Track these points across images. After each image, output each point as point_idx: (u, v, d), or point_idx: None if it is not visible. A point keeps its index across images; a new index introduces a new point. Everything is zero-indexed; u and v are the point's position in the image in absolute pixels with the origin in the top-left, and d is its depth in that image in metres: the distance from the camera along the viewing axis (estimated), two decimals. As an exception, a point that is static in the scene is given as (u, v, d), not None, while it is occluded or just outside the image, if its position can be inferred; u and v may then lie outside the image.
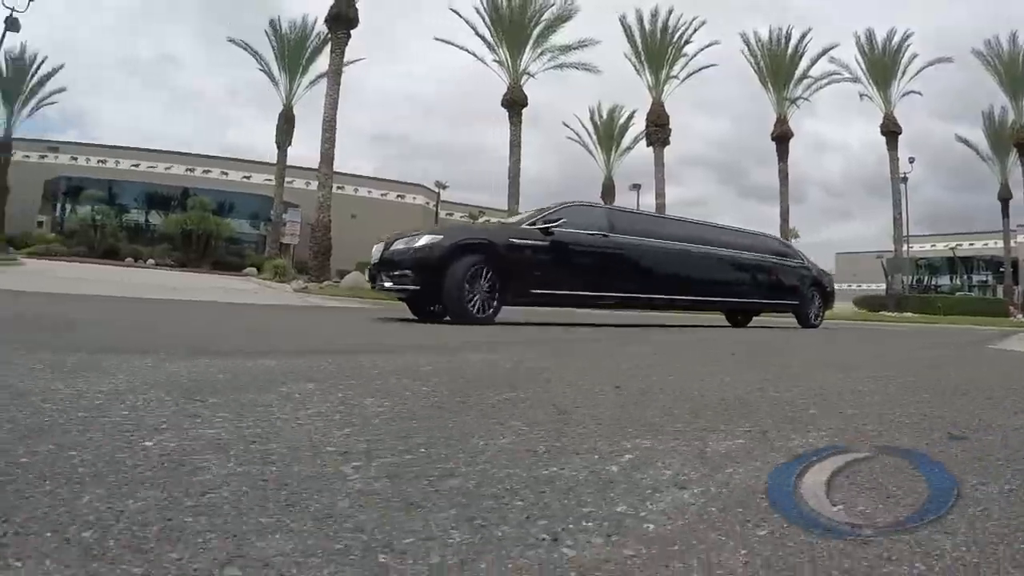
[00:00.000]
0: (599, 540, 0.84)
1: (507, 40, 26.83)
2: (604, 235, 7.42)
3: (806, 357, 4.21)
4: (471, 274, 6.29)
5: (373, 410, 1.61)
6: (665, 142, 29.59)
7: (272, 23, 31.69)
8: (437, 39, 27.12)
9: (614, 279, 7.56)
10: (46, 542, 0.75)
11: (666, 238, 8.25)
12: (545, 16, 27.10)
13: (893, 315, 24.28)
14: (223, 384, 1.86)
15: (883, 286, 36.96)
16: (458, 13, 26.71)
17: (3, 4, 22.21)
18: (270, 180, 33.48)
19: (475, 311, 6.30)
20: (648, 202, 33.03)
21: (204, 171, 41.99)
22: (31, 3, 23.32)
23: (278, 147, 31.79)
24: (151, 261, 29.89)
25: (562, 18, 27.32)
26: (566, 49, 27.93)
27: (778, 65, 31.05)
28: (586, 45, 28.22)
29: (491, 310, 6.45)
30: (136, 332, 3.80)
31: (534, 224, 7.04)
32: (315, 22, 30.54)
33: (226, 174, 41.85)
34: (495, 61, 27.17)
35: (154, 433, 1.27)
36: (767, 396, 2.08)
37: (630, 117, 35.74)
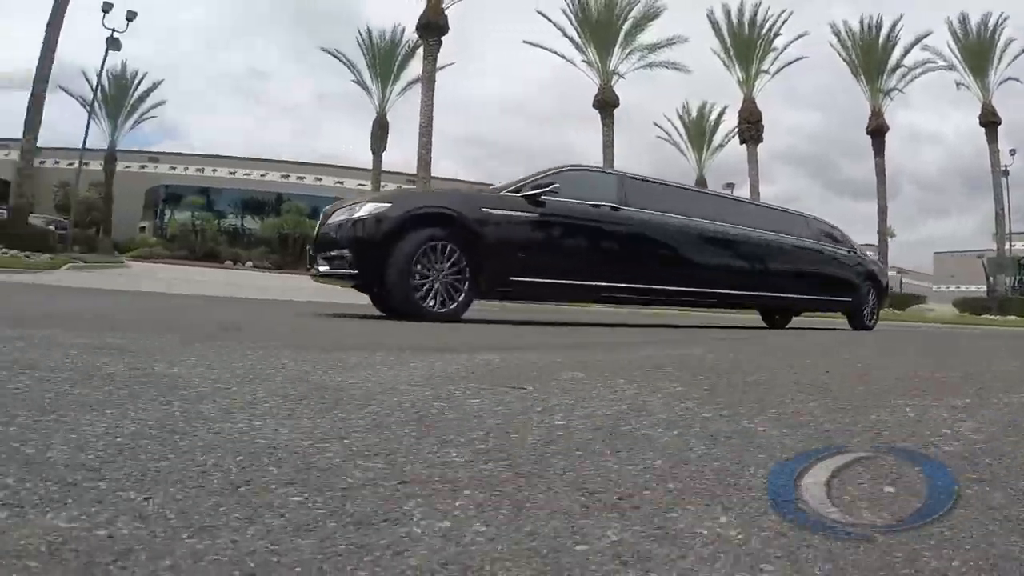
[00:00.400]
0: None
1: (595, 40, 26.78)
2: (613, 208, 5.80)
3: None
4: (423, 253, 4.83)
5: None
6: (758, 139, 28.78)
7: (362, 33, 32.73)
8: (526, 42, 27.34)
9: (626, 266, 5.95)
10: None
11: (693, 215, 6.60)
12: (632, 14, 26.84)
13: (996, 318, 22.64)
14: (527, 371, 1.84)
15: (983, 287, 34.59)
16: (545, 15, 26.81)
17: (104, 25, 23.56)
18: (363, 184, 34.41)
19: (431, 304, 4.86)
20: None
21: (298, 177, 43.36)
22: (130, 24, 24.55)
23: (373, 153, 32.70)
24: (249, 263, 31.15)
25: (648, 16, 27.09)
26: (654, 48, 27.56)
27: (870, 55, 29.73)
28: (674, 43, 27.85)
29: (455, 303, 4.97)
30: (326, 331, 3.84)
31: (519, 192, 5.43)
32: (403, 31, 31.38)
33: (320, 180, 43.08)
34: (584, 62, 27.14)
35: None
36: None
37: (720, 114, 35.05)
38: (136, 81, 37.71)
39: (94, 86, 29.55)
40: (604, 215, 5.78)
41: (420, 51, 24.46)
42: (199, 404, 1.32)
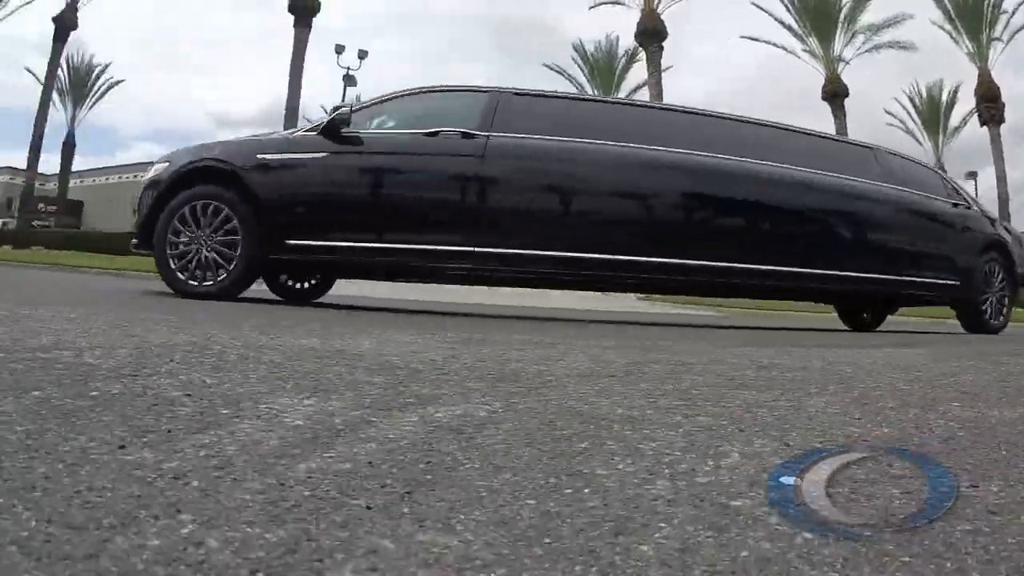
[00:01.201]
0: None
1: (814, 26, 25.59)
2: (466, 135, 4.06)
3: None
4: (186, 217, 4.01)
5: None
6: (999, 119, 26.16)
7: (576, 47, 32.44)
8: (743, 37, 26.79)
9: (478, 221, 4.12)
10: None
11: (637, 141, 4.34)
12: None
13: None
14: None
15: None
16: (759, 6, 26.05)
17: (339, 64, 25.57)
18: None
19: (189, 277, 4.01)
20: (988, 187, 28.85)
21: None
22: (363, 61, 26.80)
23: None
24: None
25: (866, -6, 25.39)
26: (877, 28, 25.90)
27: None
28: (899, 21, 25.91)
29: (221, 279, 3.99)
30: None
31: (316, 129, 4.19)
32: (617, 40, 31.26)
33: None
34: (805, 51, 26.11)
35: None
36: None
37: (954, 92, 31.88)
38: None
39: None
40: (442, 146, 4.08)
41: (635, 59, 24.75)
42: None
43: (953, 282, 5.21)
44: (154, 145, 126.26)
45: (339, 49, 25.75)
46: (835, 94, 24.84)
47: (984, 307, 5.41)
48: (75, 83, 34.79)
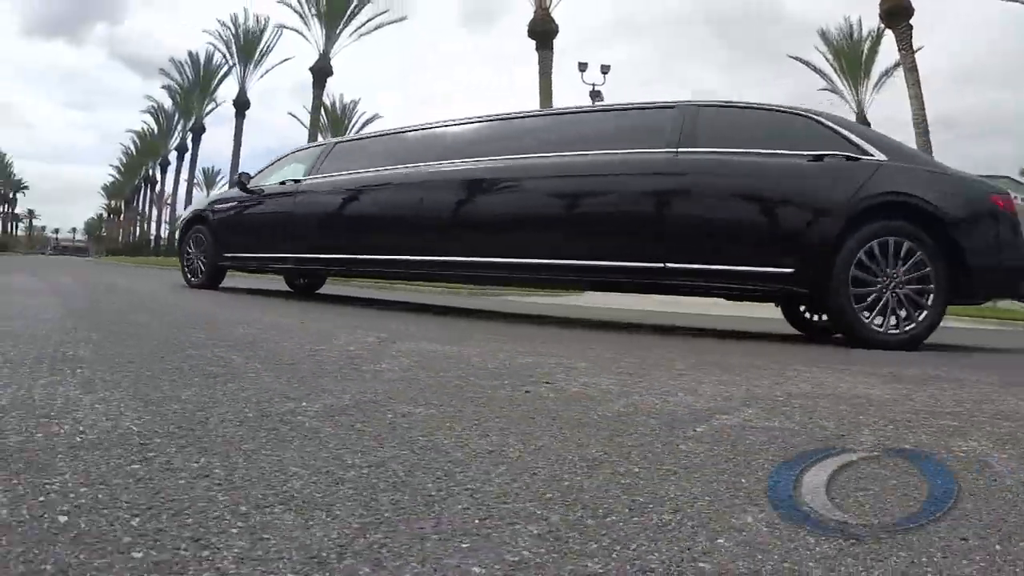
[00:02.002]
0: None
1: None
2: (296, 181, 5.77)
3: None
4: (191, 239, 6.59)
5: None
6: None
7: (821, 33, 30.22)
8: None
9: (301, 236, 5.56)
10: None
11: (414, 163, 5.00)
12: None
13: None
14: None
15: None
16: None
17: (583, 81, 25.56)
18: None
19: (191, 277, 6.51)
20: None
21: None
22: (606, 75, 28.05)
23: None
24: None
25: None
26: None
27: None
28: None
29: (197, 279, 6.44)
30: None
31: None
32: (859, 21, 29.33)
33: None
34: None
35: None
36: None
37: None
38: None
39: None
40: (282, 190, 5.80)
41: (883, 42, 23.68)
42: None
43: (784, 270, 3.64)
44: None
45: (582, 67, 24.99)
46: None
47: (856, 306, 3.53)
48: (333, 121, 37.91)
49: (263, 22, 33.51)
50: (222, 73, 38.07)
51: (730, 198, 3.86)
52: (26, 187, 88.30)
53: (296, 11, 28.31)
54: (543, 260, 4.23)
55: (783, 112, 4.07)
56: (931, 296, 3.50)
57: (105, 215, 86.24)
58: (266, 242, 5.83)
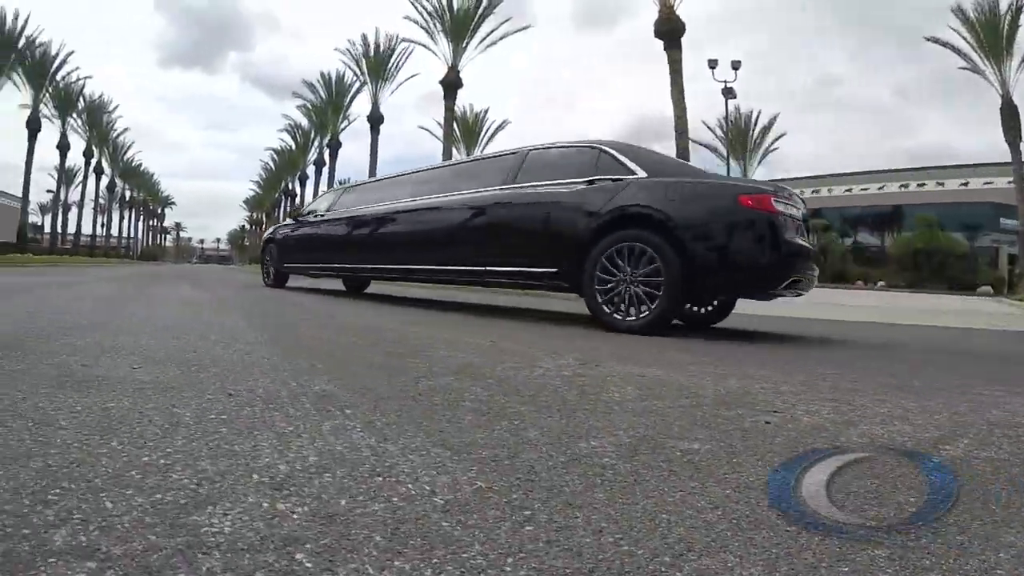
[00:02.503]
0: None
1: None
2: (323, 213, 8.59)
3: None
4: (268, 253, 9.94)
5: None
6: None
7: (958, 8, 27.30)
8: None
9: (331, 252, 8.07)
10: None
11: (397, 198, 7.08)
12: None
13: None
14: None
15: None
16: None
17: (714, 78, 25.65)
18: (990, 184, 30.56)
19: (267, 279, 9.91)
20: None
21: (919, 185, 40.50)
22: (737, 71, 25.95)
23: (1009, 145, 26.61)
24: (881, 283, 30.57)
25: None
26: None
27: None
28: None
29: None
30: None
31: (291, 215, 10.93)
32: None
33: (942, 184, 39.51)
34: None
35: None
36: None
37: None
38: (754, 122, 40.72)
39: (725, 131, 33.67)
40: (313, 220, 8.67)
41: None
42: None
43: (549, 269, 4.93)
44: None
45: (712, 64, 25.48)
46: None
47: (602, 299, 4.48)
48: (465, 130, 38.51)
49: (394, 40, 34.41)
50: (354, 90, 39.68)
51: (524, 218, 5.15)
52: (173, 203, 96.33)
53: (423, 27, 29.00)
54: (433, 267, 6.08)
55: (580, 147, 5.18)
56: (662, 289, 4.17)
57: (247, 226, 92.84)
58: (304, 255, 8.69)
